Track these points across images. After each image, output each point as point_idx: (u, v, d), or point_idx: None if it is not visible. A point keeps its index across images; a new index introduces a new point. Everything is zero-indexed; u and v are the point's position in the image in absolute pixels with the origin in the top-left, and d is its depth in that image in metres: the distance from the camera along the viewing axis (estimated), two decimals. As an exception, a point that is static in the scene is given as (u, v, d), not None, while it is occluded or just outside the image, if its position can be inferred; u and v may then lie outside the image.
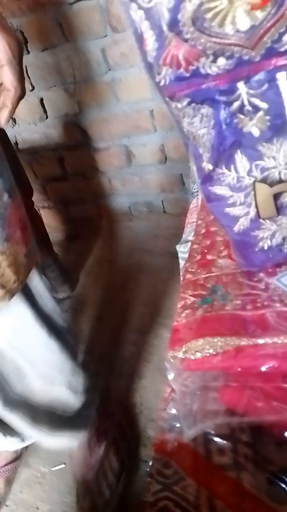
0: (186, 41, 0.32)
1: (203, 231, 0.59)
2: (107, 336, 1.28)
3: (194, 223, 0.66)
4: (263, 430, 0.42)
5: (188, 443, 0.39)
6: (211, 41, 0.32)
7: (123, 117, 1.48)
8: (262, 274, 0.44)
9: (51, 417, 0.73)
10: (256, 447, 0.40)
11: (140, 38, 0.34)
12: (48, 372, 0.70)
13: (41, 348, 0.68)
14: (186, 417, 0.41)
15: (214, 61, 0.33)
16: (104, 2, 1.26)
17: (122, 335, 1.27)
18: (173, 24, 0.32)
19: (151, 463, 0.39)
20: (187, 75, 0.35)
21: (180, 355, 0.41)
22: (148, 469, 0.38)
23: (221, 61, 0.33)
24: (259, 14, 0.31)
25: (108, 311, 1.38)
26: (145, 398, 1.06)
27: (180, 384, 0.46)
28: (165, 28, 0.32)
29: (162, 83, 0.36)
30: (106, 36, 1.32)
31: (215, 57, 0.33)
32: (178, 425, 0.41)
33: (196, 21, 0.31)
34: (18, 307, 0.63)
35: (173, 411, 0.43)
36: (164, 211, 1.72)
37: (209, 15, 0.31)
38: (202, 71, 0.34)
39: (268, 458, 0.41)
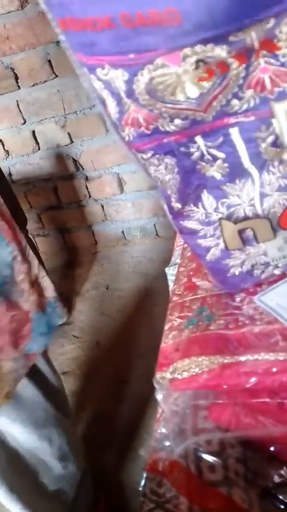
0: (143, 106, 0.35)
1: (188, 254, 0.61)
2: (105, 360, 1.28)
3: (181, 247, 0.69)
4: (253, 446, 0.43)
5: (180, 461, 0.40)
6: (165, 107, 0.35)
7: (113, 147, 1.53)
8: (243, 294, 0.46)
9: None
10: (247, 463, 0.42)
11: (102, 103, 0.38)
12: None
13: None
14: (176, 436, 0.43)
15: (171, 121, 0.37)
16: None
17: (121, 360, 1.27)
18: (130, 93, 0.35)
19: (143, 483, 0.40)
20: (148, 132, 0.38)
21: (168, 375, 0.43)
22: (140, 489, 0.39)
23: (178, 121, 0.36)
24: (206, 84, 0.34)
25: (107, 336, 1.39)
26: (148, 422, 1.07)
27: (170, 404, 0.48)
28: (123, 96, 0.35)
29: (126, 139, 0.39)
30: (94, 71, 1.37)
31: (172, 118, 0.36)
32: (169, 444, 0.43)
33: (149, 92, 0.35)
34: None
35: (164, 431, 0.44)
36: (157, 235, 1.75)
37: (160, 87, 0.34)
38: (161, 129, 0.37)
39: (259, 474, 0.42)
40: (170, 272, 0.73)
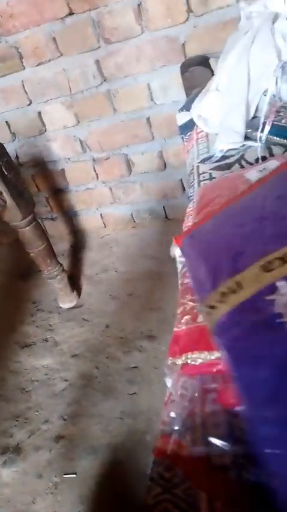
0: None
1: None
2: (116, 344, 1.28)
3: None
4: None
5: (188, 445, 0.39)
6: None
7: (121, 127, 1.50)
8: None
9: None
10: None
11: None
12: None
13: None
14: (185, 419, 0.42)
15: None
16: (96, 15, 1.28)
17: (131, 342, 1.27)
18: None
19: (151, 467, 0.39)
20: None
21: (179, 362, 0.42)
22: (148, 473, 0.39)
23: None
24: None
25: (116, 319, 1.38)
26: (153, 405, 1.07)
27: (179, 388, 0.47)
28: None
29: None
30: (99, 47, 1.34)
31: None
32: (178, 428, 0.42)
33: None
34: None
35: (173, 414, 0.43)
36: (167, 217, 1.72)
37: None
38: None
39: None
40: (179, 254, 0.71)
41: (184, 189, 1.61)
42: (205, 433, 0.41)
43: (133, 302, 1.43)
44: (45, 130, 1.57)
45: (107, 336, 1.33)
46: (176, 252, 0.72)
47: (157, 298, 1.40)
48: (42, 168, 1.68)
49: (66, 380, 1.23)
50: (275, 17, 0.92)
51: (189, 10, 1.21)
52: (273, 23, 0.91)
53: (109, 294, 1.50)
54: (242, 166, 0.81)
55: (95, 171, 1.65)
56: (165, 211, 1.71)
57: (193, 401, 0.43)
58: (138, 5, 1.24)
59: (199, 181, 0.86)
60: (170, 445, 0.39)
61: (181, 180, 1.58)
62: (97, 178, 1.68)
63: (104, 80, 1.40)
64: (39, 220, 1.32)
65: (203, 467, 0.38)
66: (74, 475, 0.98)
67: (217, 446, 0.39)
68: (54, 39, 1.35)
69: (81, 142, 1.58)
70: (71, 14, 1.29)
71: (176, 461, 0.39)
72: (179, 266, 0.69)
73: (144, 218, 1.76)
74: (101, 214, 1.80)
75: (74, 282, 1.55)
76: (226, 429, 0.41)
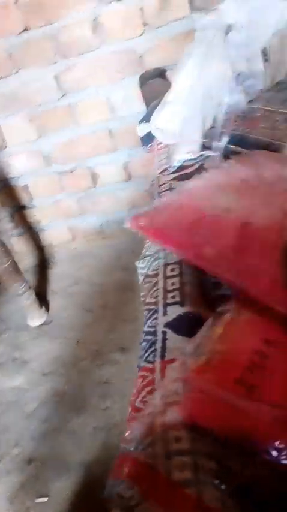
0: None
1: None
2: (88, 358, 1.26)
3: (151, 239, 0.67)
4: (226, 440, 0.42)
5: (149, 461, 0.38)
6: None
7: (85, 139, 1.49)
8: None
9: None
10: (220, 460, 0.40)
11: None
12: None
13: None
14: (145, 435, 0.41)
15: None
16: (52, 30, 1.28)
17: (103, 355, 1.25)
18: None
19: (110, 487, 0.38)
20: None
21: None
22: (107, 493, 0.38)
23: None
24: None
25: (88, 332, 1.36)
26: (126, 418, 1.05)
27: (139, 402, 0.46)
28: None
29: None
30: (58, 62, 1.34)
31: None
32: (136, 445, 0.41)
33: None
34: None
35: (133, 431, 0.42)
36: (136, 227, 1.72)
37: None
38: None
39: (232, 471, 0.40)
40: (140, 265, 0.71)
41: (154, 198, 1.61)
42: (166, 448, 0.40)
43: (106, 314, 1.42)
44: (6, 146, 1.55)
45: (79, 350, 1.31)
46: (136, 263, 0.72)
47: (130, 309, 1.39)
48: (5, 184, 1.65)
49: (37, 399, 1.20)
50: (228, 29, 0.94)
51: (145, 23, 1.23)
52: (226, 34, 0.94)
53: (81, 307, 1.48)
54: (201, 176, 0.82)
55: (61, 184, 1.64)
56: (133, 222, 1.71)
57: (153, 415, 0.43)
58: (94, 20, 1.25)
59: (159, 192, 0.86)
60: (129, 464, 0.38)
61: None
62: (63, 191, 1.66)
63: (65, 94, 1.40)
64: (1, 238, 1.30)
65: (164, 485, 0.37)
66: (46, 499, 0.95)
67: (178, 461, 0.39)
68: (11, 54, 1.34)
69: (44, 156, 1.57)
70: (27, 29, 1.28)
71: (136, 480, 0.38)
72: (141, 278, 0.69)
73: (113, 229, 1.76)
74: (69, 227, 1.78)
75: (44, 298, 1.53)
76: (187, 443, 0.40)
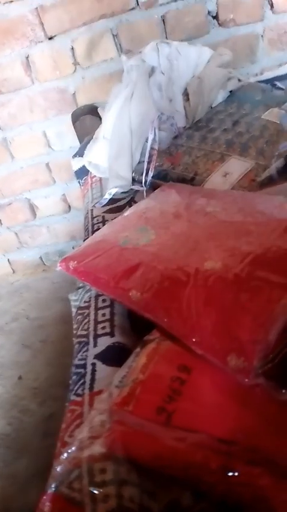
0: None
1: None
2: (30, 395, 1.23)
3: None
4: (150, 468, 0.43)
5: (73, 496, 0.39)
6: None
7: (21, 173, 1.50)
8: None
9: None
10: (143, 486, 0.41)
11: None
12: None
13: None
14: (70, 469, 0.42)
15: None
16: (-16, 67, 1.29)
17: (45, 392, 1.22)
18: None
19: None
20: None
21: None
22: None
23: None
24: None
25: (29, 369, 1.33)
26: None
27: (66, 437, 0.46)
28: None
29: None
30: (-9, 98, 1.35)
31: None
32: (64, 480, 0.41)
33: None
34: None
35: (61, 468, 0.42)
36: (76, 258, 1.73)
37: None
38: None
39: (156, 497, 0.42)
40: (73, 298, 0.72)
41: (90, 229, 1.63)
42: (91, 480, 0.41)
43: (46, 349, 1.39)
44: None
45: (19, 388, 1.27)
46: (69, 295, 0.73)
47: (70, 342, 1.37)
48: None
49: (-25, 443, 1.14)
50: (152, 71, 1.01)
51: (76, 63, 1.28)
52: (150, 76, 1.00)
53: (21, 343, 1.44)
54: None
55: (-2, 217, 1.62)
56: (74, 253, 1.72)
57: (79, 448, 0.43)
58: (26, 58, 1.28)
59: (93, 225, 0.89)
60: (50, 501, 0.38)
61: (86, 221, 1.61)
62: (1, 224, 1.64)
63: (0, 129, 1.41)
64: None
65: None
66: None
67: (102, 492, 0.39)
68: None
69: (-20, 190, 1.55)
70: None
71: (62, 517, 0.38)
72: (73, 310, 0.70)
73: (54, 261, 1.75)
74: (8, 260, 1.75)
75: (-18, 335, 1.48)
76: (112, 473, 0.41)
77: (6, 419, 1.18)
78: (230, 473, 0.38)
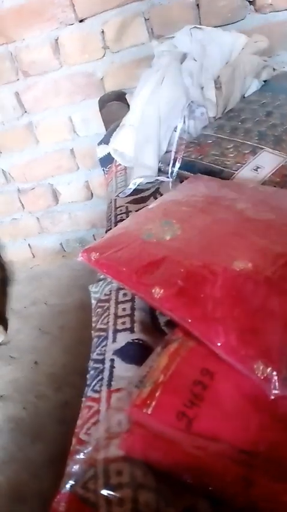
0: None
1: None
2: (46, 381, 1.23)
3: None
4: (166, 473, 0.42)
5: (88, 496, 0.38)
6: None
7: (45, 158, 1.49)
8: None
9: None
10: (159, 492, 0.40)
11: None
12: None
13: None
14: (85, 470, 0.41)
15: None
16: (13, 49, 1.28)
17: (61, 378, 1.23)
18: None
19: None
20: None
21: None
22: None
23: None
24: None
25: (46, 354, 1.34)
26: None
27: (82, 434, 0.45)
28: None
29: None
30: (18, 80, 1.33)
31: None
32: (79, 480, 0.40)
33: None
34: None
35: (76, 465, 0.41)
36: (97, 246, 1.72)
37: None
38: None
39: (172, 504, 0.40)
40: (93, 289, 0.71)
41: (112, 218, 1.62)
42: (107, 482, 0.40)
43: (64, 335, 1.39)
44: None
45: (36, 373, 1.28)
46: (89, 287, 0.72)
47: (89, 331, 1.37)
48: None
49: (-9, 426, 1.15)
50: (183, 57, 0.97)
51: (105, 47, 1.25)
52: (181, 62, 0.96)
53: (39, 328, 1.45)
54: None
55: (21, 201, 1.62)
56: (95, 240, 1.71)
57: (95, 448, 0.42)
58: (55, 40, 1.26)
59: (116, 215, 0.87)
60: (65, 501, 0.38)
61: (108, 209, 1.60)
62: (23, 209, 1.64)
63: (25, 112, 1.40)
64: None
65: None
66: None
67: (117, 495, 0.38)
68: None
69: (4, 173, 1.54)
70: (-13, 47, 1.28)
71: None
72: (93, 302, 0.69)
73: (74, 247, 1.74)
74: (29, 245, 1.75)
75: (1, 318, 1.49)
76: (128, 476, 0.40)
77: (21, 403, 1.19)
78: (251, 487, 0.36)
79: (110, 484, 0.39)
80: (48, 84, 1.33)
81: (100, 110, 1.21)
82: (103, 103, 1.18)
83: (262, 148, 0.75)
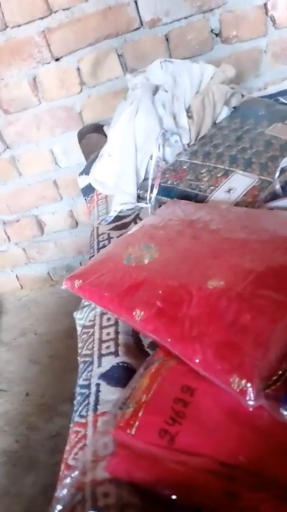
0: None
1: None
2: (37, 412, 1.22)
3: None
4: (153, 493, 0.42)
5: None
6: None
7: (29, 189, 1.52)
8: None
9: None
10: (145, 510, 0.41)
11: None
12: None
13: None
14: (73, 494, 0.41)
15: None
16: (-7, 87, 1.32)
17: (52, 408, 1.22)
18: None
19: None
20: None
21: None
22: None
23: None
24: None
25: (37, 385, 1.33)
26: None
27: (70, 459, 0.46)
28: None
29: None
30: (-1, 117, 1.38)
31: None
32: (67, 504, 0.41)
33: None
34: None
35: (64, 491, 0.42)
36: (84, 273, 1.73)
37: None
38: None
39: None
40: (78, 316, 0.72)
41: (97, 244, 1.64)
42: (95, 505, 0.40)
43: (54, 364, 1.39)
44: None
45: (27, 404, 1.26)
46: (74, 314, 0.73)
47: (78, 357, 1.37)
48: None
49: (-18, 460, 1.13)
50: (156, 89, 1.02)
51: (82, 82, 1.30)
52: (154, 94, 1.01)
53: (29, 358, 1.44)
54: (136, 225, 0.86)
55: (6, 233, 1.63)
56: (82, 267, 1.72)
57: (83, 472, 0.43)
58: (33, 79, 1.30)
59: (99, 242, 0.89)
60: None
61: (93, 236, 1.62)
62: (9, 240, 1.66)
63: (7, 147, 1.43)
64: None
65: None
66: None
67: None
68: None
69: (-12, 206, 1.57)
70: None
71: None
72: (79, 329, 0.70)
73: (61, 275, 1.75)
74: (16, 276, 1.76)
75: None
76: (115, 498, 0.40)
77: (13, 436, 1.17)
78: (235, 499, 0.37)
79: (98, 507, 0.40)
80: (29, 119, 1.37)
81: (79, 141, 1.25)
82: (82, 135, 1.22)
83: (234, 171, 0.78)
